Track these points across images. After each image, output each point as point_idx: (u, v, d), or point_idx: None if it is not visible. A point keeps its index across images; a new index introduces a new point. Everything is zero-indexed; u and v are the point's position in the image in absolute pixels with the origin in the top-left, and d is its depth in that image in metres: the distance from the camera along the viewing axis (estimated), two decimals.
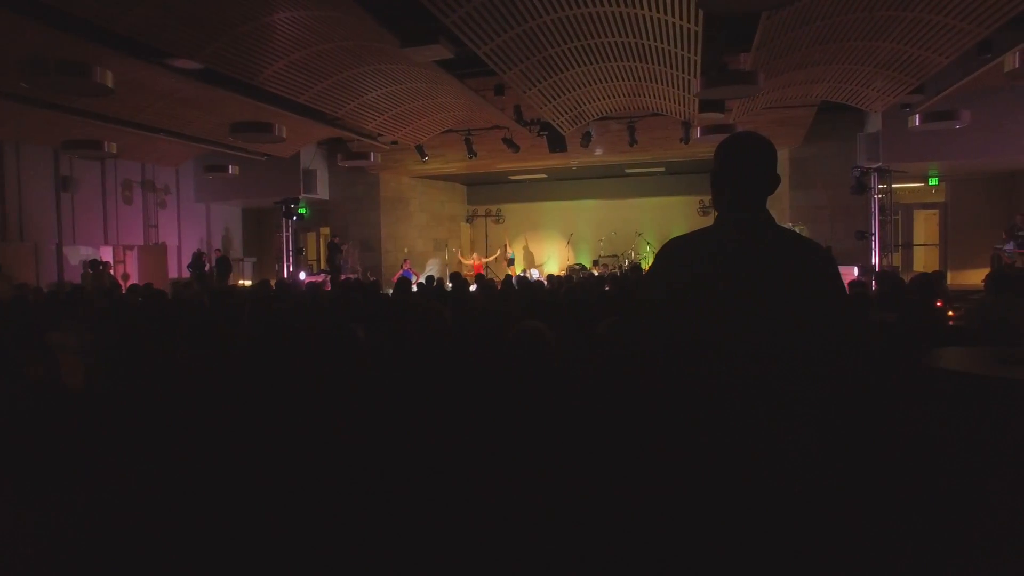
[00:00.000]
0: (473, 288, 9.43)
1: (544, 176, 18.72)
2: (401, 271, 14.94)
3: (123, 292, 10.15)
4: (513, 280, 10.38)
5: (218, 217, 17.92)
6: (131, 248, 15.22)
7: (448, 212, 20.06)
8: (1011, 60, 7.94)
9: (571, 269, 16.54)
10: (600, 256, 18.00)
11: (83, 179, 13.90)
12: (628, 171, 18.09)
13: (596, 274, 13.73)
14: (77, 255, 13.79)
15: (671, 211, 18.04)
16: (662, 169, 17.87)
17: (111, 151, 11.48)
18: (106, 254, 14.40)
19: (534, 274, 16.37)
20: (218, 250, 16.67)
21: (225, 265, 15.74)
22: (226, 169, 14.12)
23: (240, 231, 18.81)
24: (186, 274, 15.38)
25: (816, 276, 1.77)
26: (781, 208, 14.65)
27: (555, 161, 15.11)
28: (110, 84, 7.47)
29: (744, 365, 1.70)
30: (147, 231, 15.64)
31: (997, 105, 11.40)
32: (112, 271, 13.56)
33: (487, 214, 20.41)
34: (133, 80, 8.80)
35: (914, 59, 8.56)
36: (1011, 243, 11.52)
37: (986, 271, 7.16)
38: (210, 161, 14.42)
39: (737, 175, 1.82)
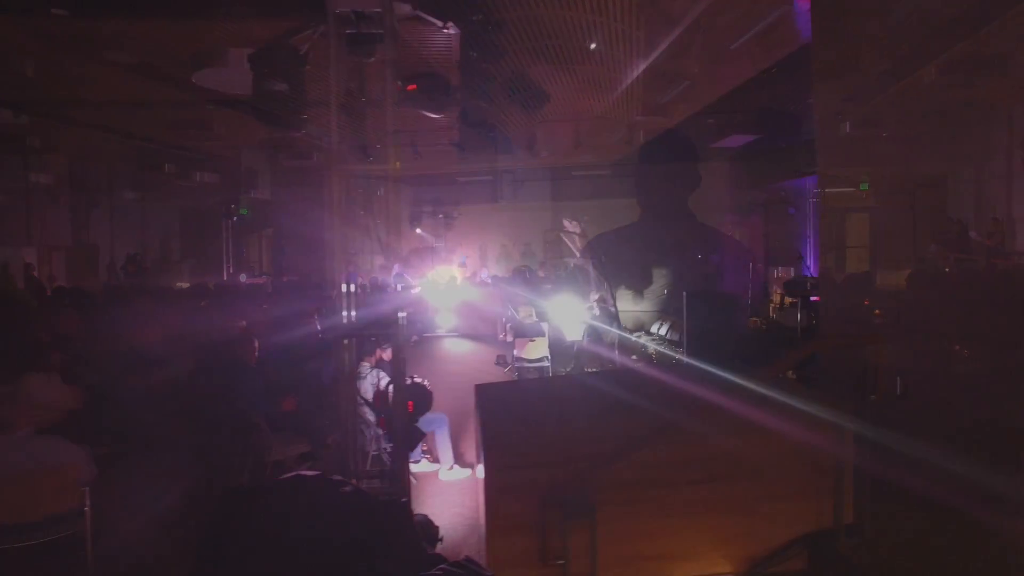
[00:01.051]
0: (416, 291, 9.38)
1: (491, 178, 18.70)
2: (346, 273, 14.67)
3: (48, 294, 9.68)
4: (458, 282, 10.36)
5: (155, 217, 17.22)
6: (58, 249, 14.47)
7: (394, 213, 19.80)
8: (928, 73, 8.41)
9: (517, 271, 16.60)
10: (546, 257, 18.11)
11: (2, 175, 13.13)
12: (575, 173, 18.25)
13: (541, 275, 13.81)
14: None
15: (617, 213, 18.22)
16: (608, 172, 18.09)
17: (34, 146, 10.94)
18: (29, 255, 13.63)
19: (484, 275, 16.43)
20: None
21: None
22: (163, 167, 13.61)
23: (179, 232, 18.14)
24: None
25: (715, 242, 1.83)
26: (720, 210, 15.00)
27: (502, 162, 15.13)
28: (29, 74, 7.11)
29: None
30: (76, 232, 14.90)
31: (920, 115, 11.92)
32: (35, 273, 12.85)
33: (434, 215, 20.24)
34: (61, 71, 8.39)
35: (845, 67, 8.89)
36: (934, 246, 12.09)
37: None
38: (147, 158, 13.87)
39: (654, 174, 1.86)
